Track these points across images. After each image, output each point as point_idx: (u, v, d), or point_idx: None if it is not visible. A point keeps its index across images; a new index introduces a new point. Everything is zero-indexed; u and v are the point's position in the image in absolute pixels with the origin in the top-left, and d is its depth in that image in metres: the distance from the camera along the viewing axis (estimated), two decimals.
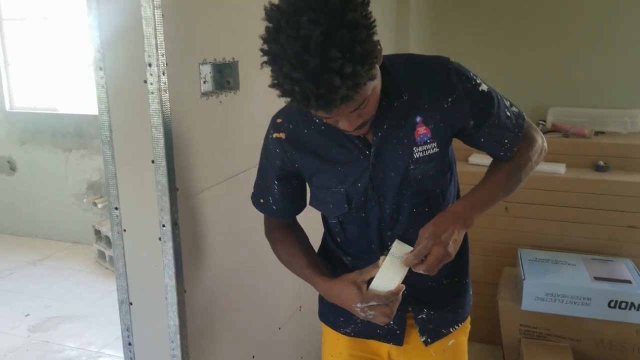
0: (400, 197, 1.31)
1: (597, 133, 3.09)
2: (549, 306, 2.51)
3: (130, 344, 1.60)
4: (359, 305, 1.23)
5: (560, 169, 2.87)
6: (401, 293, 1.24)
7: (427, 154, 1.28)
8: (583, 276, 2.54)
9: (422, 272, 1.21)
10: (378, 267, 1.25)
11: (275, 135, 1.33)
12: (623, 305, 2.42)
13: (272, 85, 1.06)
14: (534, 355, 2.49)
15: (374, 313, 1.23)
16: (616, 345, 2.49)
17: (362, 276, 1.26)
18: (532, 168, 1.38)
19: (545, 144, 1.41)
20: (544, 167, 2.84)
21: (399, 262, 1.24)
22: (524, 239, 2.95)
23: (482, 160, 2.85)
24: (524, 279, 2.52)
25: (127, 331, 1.59)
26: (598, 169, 2.89)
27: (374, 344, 1.52)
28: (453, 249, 1.21)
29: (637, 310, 2.41)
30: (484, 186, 1.33)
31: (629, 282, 2.48)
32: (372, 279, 1.25)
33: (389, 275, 1.24)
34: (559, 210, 2.86)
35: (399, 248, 1.26)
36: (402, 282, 1.24)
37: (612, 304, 2.43)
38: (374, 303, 1.22)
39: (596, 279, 2.51)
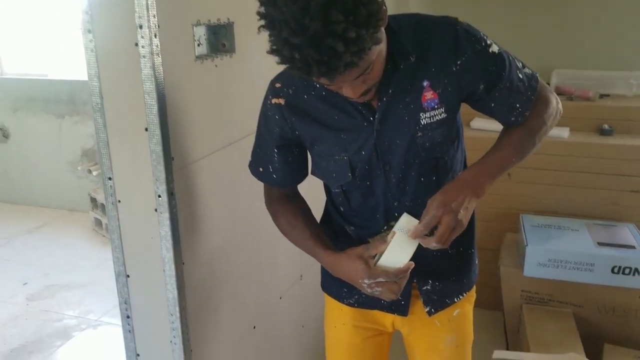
0: (406, 166, 1.27)
1: (602, 96, 3.03)
2: (552, 272, 2.49)
3: (128, 316, 1.57)
4: (366, 281, 1.20)
5: (563, 133, 2.82)
6: (409, 271, 1.21)
7: (434, 120, 1.23)
8: (586, 241, 2.51)
9: (434, 245, 1.17)
10: (386, 242, 1.21)
11: (274, 101, 1.28)
12: (627, 270, 2.39)
13: (271, 52, 1.00)
14: (535, 321, 2.48)
15: (381, 290, 1.20)
16: (619, 310, 2.48)
17: (369, 251, 1.23)
18: (546, 132, 1.33)
19: (560, 106, 1.36)
20: None
21: (408, 238, 1.20)
22: (526, 204, 2.92)
23: (485, 124, 2.79)
24: (526, 245, 2.50)
25: (125, 304, 1.57)
26: (602, 132, 2.84)
27: (378, 314, 1.50)
28: (465, 217, 1.17)
29: None
30: (496, 152, 1.29)
31: (633, 247, 2.46)
32: (378, 254, 1.22)
33: (398, 251, 1.20)
34: (562, 175, 2.83)
35: (407, 222, 1.22)
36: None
37: (616, 270, 2.41)
38: (381, 280, 1.19)
39: (599, 244, 2.49)
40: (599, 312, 2.50)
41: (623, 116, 2.86)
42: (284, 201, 1.42)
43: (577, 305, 2.53)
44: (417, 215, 1.23)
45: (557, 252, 2.47)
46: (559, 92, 3.04)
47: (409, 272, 1.21)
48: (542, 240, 2.53)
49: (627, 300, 2.45)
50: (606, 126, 2.84)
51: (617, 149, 2.73)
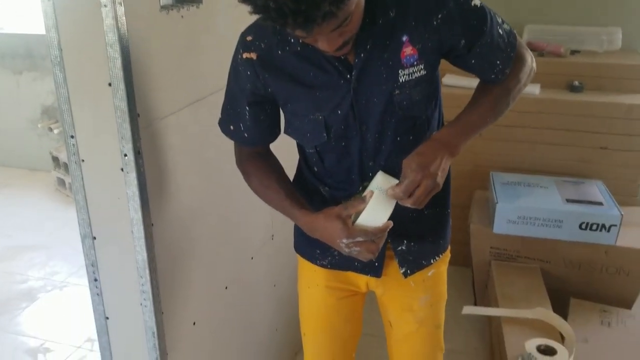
0: (383, 125, 1.25)
1: (573, 52, 3.02)
2: (521, 229, 2.52)
3: (96, 279, 1.54)
4: (344, 240, 1.18)
5: (534, 89, 2.82)
6: (387, 231, 1.19)
7: (413, 77, 1.20)
8: (555, 198, 2.54)
9: (409, 205, 1.15)
10: (364, 201, 1.19)
11: (245, 55, 1.23)
12: (594, 227, 2.43)
13: (243, 0, 0.95)
14: (503, 276, 2.52)
15: (359, 249, 1.19)
16: (584, 265, 2.52)
17: (347, 210, 1.20)
18: (520, 91, 1.32)
19: (535, 64, 1.35)
20: None
21: (386, 196, 1.18)
22: (496, 161, 2.93)
23: (458, 81, 2.76)
24: (496, 202, 2.51)
25: (92, 267, 1.53)
26: (573, 89, 2.85)
27: (352, 275, 1.49)
28: (441, 179, 1.16)
29: (608, 231, 2.43)
30: (471, 112, 1.27)
31: (600, 203, 2.49)
32: (356, 214, 1.20)
33: (376, 210, 1.18)
34: (533, 132, 2.84)
35: (383, 180, 1.20)
36: None
37: (583, 226, 2.44)
38: (360, 239, 1.17)
39: (568, 201, 2.51)
40: (566, 268, 2.55)
41: (593, 73, 2.87)
42: (256, 160, 1.38)
43: (545, 261, 2.57)
44: (392, 172, 1.22)
45: (526, 209, 2.49)
46: (531, 48, 3.02)
47: (387, 232, 1.19)
48: (511, 198, 2.54)
49: (594, 256, 2.49)
50: (576, 83, 2.85)
51: (586, 106, 2.74)
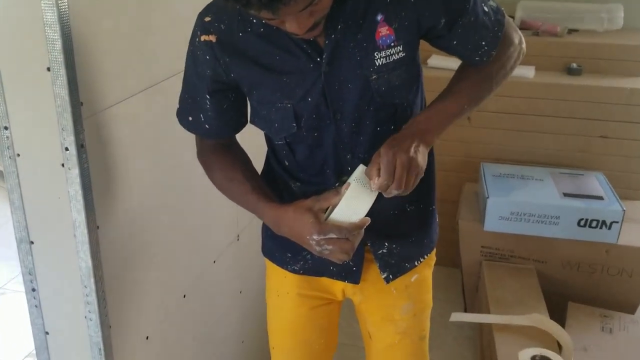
0: (360, 114, 1.24)
1: (571, 31, 3.04)
2: (514, 226, 2.54)
3: (34, 289, 1.52)
4: (314, 237, 1.18)
5: (528, 72, 2.84)
6: (364, 228, 1.19)
7: (391, 60, 1.20)
8: (551, 192, 2.56)
9: (395, 192, 1.15)
10: (339, 194, 1.19)
11: (203, 38, 1.22)
12: (594, 223, 2.46)
13: None
14: (495, 278, 2.54)
15: (332, 248, 1.18)
16: (584, 266, 2.55)
17: (319, 203, 1.20)
18: (505, 76, 1.33)
19: (524, 46, 1.36)
20: None
21: (366, 189, 1.18)
22: (487, 151, 2.95)
23: (444, 62, 2.77)
24: (487, 197, 2.53)
25: (30, 275, 1.51)
26: (570, 72, 2.87)
27: (326, 281, 1.49)
28: (421, 157, 1.16)
29: (609, 228, 2.45)
30: (447, 98, 1.28)
31: (601, 198, 2.52)
32: (330, 208, 1.20)
33: (353, 204, 1.18)
34: (526, 119, 2.86)
35: (363, 175, 1.18)
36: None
37: (582, 223, 2.47)
38: (333, 236, 1.17)
39: (565, 195, 2.54)
40: (564, 269, 2.58)
41: (592, 54, 2.89)
42: (219, 151, 1.38)
43: (540, 262, 2.59)
44: None
45: (520, 204, 2.51)
46: (525, 27, 3.04)
47: (363, 230, 1.19)
48: (504, 192, 2.56)
49: (593, 255, 2.52)
50: (574, 65, 2.87)
51: (585, 90, 2.77)
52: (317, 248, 1.19)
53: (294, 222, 1.21)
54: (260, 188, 1.33)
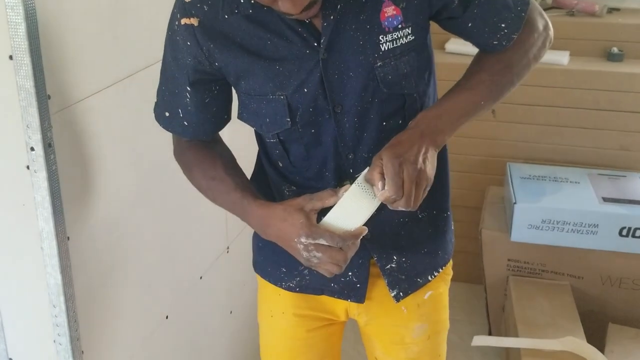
0: (364, 107, 1.25)
1: (611, 10, 3.05)
2: (545, 236, 2.54)
3: None
4: (302, 239, 1.18)
5: (562, 58, 2.84)
6: (360, 238, 1.20)
7: (398, 44, 1.22)
8: (589, 197, 2.57)
9: (402, 208, 1.16)
10: (336, 195, 1.20)
11: (183, 21, 1.23)
12: (638, 233, 2.46)
13: None
14: (524, 296, 2.55)
15: (321, 256, 1.18)
16: (627, 282, 2.56)
17: (312, 203, 1.21)
18: (528, 67, 1.33)
19: (551, 32, 1.36)
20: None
21: (367, 195, 1.18)
22: (514, 150, 2.95)
23: (465, 47, 2.78)
24: (514, 202, 2.53)
25: None
26: (611, 57, 2.87)
27: (327, 300, 1.50)
28: (430, 167, 1.17)
29: None
30: (461, 92, 1.28)
31: None
32: (325, 211, 1.20)
33: (350, 209, 1.19)
34: (560, 112, 2.86)
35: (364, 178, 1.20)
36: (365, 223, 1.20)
37: (624, 232, 2.47)
38: (323, 242, 1.17)
39: (605, 200, 2.54)
40: (603, 285, 2.58)
41: (636, 37, 2.89)
42: (198, 148, 1.39)
43: (576, 277, 2.60)
44: None
45: (552, 210, 2.51)
46: (558, 6, 3.05)
47: (359, 241, 1.20)
48: (533, 196, 2.56)
49: (637, 269, 2.52)
50: (615, 49, 2.87)
51: (628, 79, 2.77)
52: (305, 254, 1.19)
53: (282, 222, 1.22)
54: (245, 185, 1.34)
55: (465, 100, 1.27)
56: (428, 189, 1.18)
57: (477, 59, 1.34)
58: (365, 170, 1.20)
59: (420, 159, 1.16)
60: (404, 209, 1.16)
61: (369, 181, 1.18)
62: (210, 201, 1.39)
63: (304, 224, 1.18)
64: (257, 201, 1.29)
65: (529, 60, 1.31)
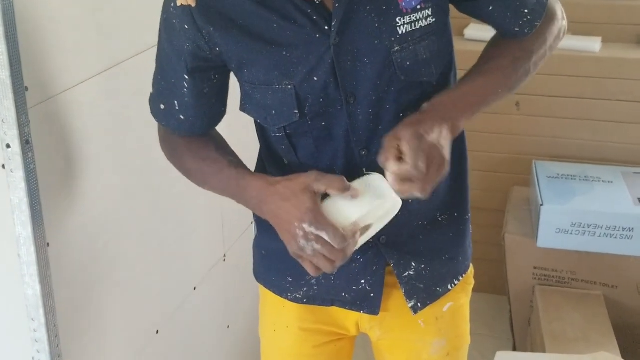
0: (379, 97, 1.25)
1: None
2: (576, 241, 2.54)
3: None
4: (305, 226, 1.17)
5: (593, 45, 2.84)
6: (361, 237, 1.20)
7: (417, 26, 1.22)
8: (623, 198, 2.57)
9: (416, 194, 1.16)
10: (348, 189, 1.19)
11: (180, 2, 1.23)
12: None
13: None
14: (552, 308, 2.55)
15: (320, 249, 1.17)
16: None
17: (320, 183, 1.20)
18: (544, 57, 1.36)
19: (565, 22, 1.39)
20: (570, 42, 2.79)
21: (378, 183, 1.19)
22: (540, 146, 2.96)
23: (483, 33, 2.77)
24: (541, 204, 2.53)
25: None
26: None
27: (336, 312, 1.50)
28: (448, 151, 1.18)
29: None
30: (477, 78, 1.31)
31: None
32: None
33: (356, 199, 1.19)
34: (591, 104, 2.86)
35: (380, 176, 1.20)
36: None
37: None
38: (324, 235, 1.16)
39: None
40: (639, 295, 2.57)
41: None
42: (189, 136, 1.40)
43: (610, 286, 2.60)
44: None
45: (583, 213, 2.51)
46: None
47: (358, 237, 1.19)
48: (562, 198, 2.56)
49: None
50: None
51: None
52: (302, 242, 1.18)
53: (284, 201, 1.22)
54: (240, 163, 1.34)
55: (483, 86, 1.29)
56: (443, 175, 1.18)
57: (496, 43, 1.36)
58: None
59: (441, 141, 1.17)
60: (416, 195, 1.16)
61: (382, 164, 1.17)
62: (198, 185, 1.39)
63: (310, 209, 1.18)
64: (255, 174, 1.31)
65: (546, 50, 1.34)
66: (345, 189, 1.19)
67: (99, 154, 1.59)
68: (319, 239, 1.17)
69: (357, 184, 1.21)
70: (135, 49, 1.63)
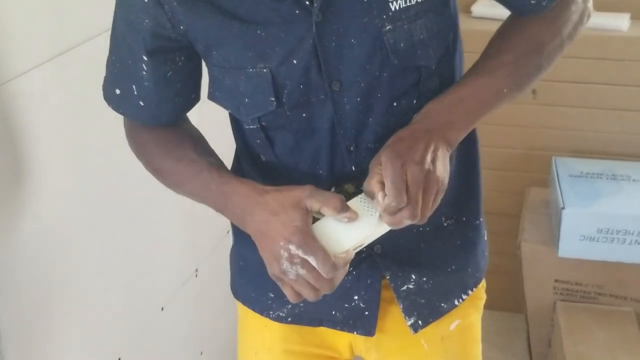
0: (369, 83, 1.25)
1: None
2: (602, 250, 2.55)
3: None
4: (292, 247, 1.16)
5: (621, 22, 2.84)
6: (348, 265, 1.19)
7: (413, 2, 1.22)
8: None
9: (407, 221, 1.16)
10: (346, 210, 1.18)
11: None
12: None
13: None
14: (576, 326, 2.56)
15: (304, 274, 1.17)
16: None
17: (313, 200, 1.19)
18: (561, 47, 1.34)
19: (590, 5, 1.37)
20: (595, 20, 2.74)
21: (368, 211, 1.20)
22: (561, 140, 2.96)
23: (493, 10, 2.77)
24: (562, 207, 2.53)
25: None
26: None
27: (326, 332, 1.50)
28: (441, 168, 1.18)
29: None
30: (478, 76, 1.30)
31: None
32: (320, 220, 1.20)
33: (346, 225, 1.19)
34: (618, 91, 2.87)
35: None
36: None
37: None
38: (312, 260, 1.16)
39: None
40: None
41: None
42: (160, 127, 1.40)
43: None
44: None
45: (610, 217, 2.51)
46: None
47: (347, 268, 1.19)
48: (587, 199, 2.57)
49: None
50: None
51: None
52: (285, 264, 1.17)
53: (272, 215, 1.21)
54: (221, 166, 1.34)
55: (483, 86, 1.28)
56: (441, 196, 1.19)
57: (500, 35, 1.35)
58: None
59: (428, 158, 1.17)
60: (410, 222, 1.16)
61: (367, 193, 1.19)
62: (170, 188, 1.39)
63: (300, 228, 1.17)
64: (240, 179, 1.29)
65: (562, 39, 1.33)
66: (341, 210, 1.18)
67: (52, 152, 1.59)
68: (305, 263, 1.16)
69: (354, 203, 1.20)
70: (93, 30, 1.64)
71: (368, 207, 1.20)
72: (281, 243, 1.17)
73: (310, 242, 1.16)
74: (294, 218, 1.18)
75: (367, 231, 1.20)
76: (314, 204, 1.19)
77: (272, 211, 1.21)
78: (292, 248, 1.16)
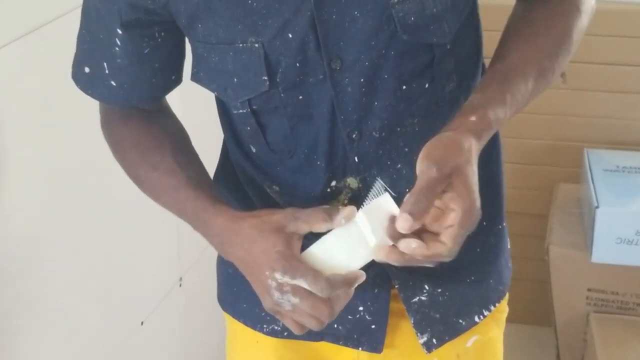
0: (374, 62, 1.24)
1: None
2: None
3: None
4: (277, 275, 1.15)
5: None
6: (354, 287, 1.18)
7: None
8: None
9: (418, 256, 1.12)
10: (330, 221, 1.17)
11: None
12: None
13: None
14: (612, 340, 2.56)
15: (298, 304, 1.16)
16: None
17: (296, 223, 1.19)
18: (582, 31, 1.35)
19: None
20: None
21: (374, 222, 1.16)
22: (594, 130, 2.97)
23: None
24: (596, 206, 2.53)
25: None
26: None
27: (327, 348, 1.50)
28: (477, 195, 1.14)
29: None
30: (510, 75, 1.28)
31: None
32: (313, 238, 1.19)
33: (347, 243, 1.17)
34: None
35: (379, 202, 1.17)
36: None
37: None
38: (304, 284, 1.15)
39: None
40: None
41: None
42: (134, 119, 1.40)
43: None
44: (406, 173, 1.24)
45: None
46: None
47: (352, 290, 1.18)
48: (623, 197, 2.58)
49: None
50: None
51: None
52: (276, 295, 1.17)
53: (252, 244, 1.21)
54: (202, 180, 1.34)
55: (515, 82, 1.26)
56: (474, 227, 1.14)
57: (521, 22, 1.35)
58: (376, 183, 1.18)
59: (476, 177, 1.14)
60: (425, 262, 1.14)
61: (389, 209, 1.15)
62: (151, 198, 1.39)
63: (282, 253, 1.17)
64: (218, 206, 1.28)
65: (583, 25, 1.34)
66: (332, 217, 1.17)
67: (17, 148, 1.60)
68: (296, 290, 1.15)
69: (364, 214, 1.16)
70: (66, 5, 1.66)
71: (374, 222, 1.16)
72: (267, 273, 1.17)
73: (295, 264, 1.15)
74: (276, 243, 1.17)
75: (367, 253, 1.17)
76: (300, 226, 1.18)
77: (251, 239, 1.21)
78: (278, 276, 1.15)
